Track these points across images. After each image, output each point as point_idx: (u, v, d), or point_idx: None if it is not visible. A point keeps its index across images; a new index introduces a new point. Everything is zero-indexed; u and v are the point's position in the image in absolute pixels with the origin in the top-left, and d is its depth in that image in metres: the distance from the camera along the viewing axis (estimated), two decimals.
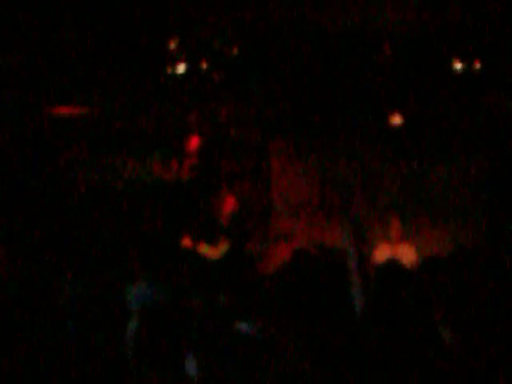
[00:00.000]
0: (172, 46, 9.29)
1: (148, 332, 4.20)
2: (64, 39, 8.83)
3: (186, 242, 9.09)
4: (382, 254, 9.12)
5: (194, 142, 10.58)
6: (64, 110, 10.16)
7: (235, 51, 9.36)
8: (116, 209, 10.57)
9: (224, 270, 5.56)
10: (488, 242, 10.37)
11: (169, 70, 9.53)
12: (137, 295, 5.18)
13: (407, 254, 9.04)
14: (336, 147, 10.78)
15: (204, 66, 9.50)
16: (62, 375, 4.09)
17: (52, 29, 8.69)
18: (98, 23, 8.85)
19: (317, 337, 4.14)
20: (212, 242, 9.10)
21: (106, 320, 4.50)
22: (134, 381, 4.12)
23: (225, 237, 9.15)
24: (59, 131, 10.51)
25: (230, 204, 9.46)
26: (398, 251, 9.18)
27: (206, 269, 5.68)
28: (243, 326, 4.70)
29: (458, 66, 9.73)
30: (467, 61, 9.69)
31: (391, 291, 5.45)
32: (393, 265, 5.98)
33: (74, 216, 10.43)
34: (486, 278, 4.83)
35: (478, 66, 9.67)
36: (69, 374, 4.10)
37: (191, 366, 4.26)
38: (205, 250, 8.89)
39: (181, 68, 9.48)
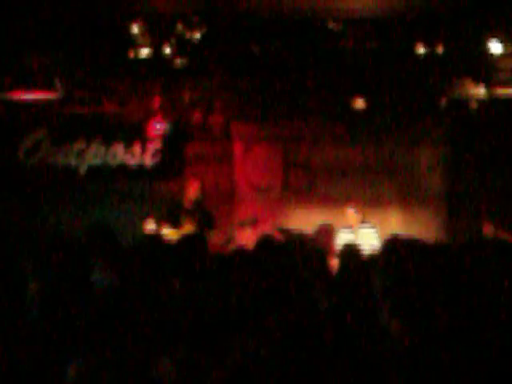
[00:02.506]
0: (135, 29, 9.26)
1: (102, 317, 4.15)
2: (25, 23, 8.76)
3: (150, 225, 9.12)
4: (342, 238, 9.23)
5: (156, 127, 10.59)
6: (26, 95, 10.09)
7: (198, 36, 9.33)
8: (79, 193, 10.56)
9: (178, 253, 5.56)
10: (449, 230, 10.49)
11: (132, 55, 9.49)
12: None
13: (367, 238, 9.15)
14: (300, 131, 10.82)
15: (167, 50, 9.47)
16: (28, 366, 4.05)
17: (12, 12, 8.62)
18: (60, 6, 8.79)
19: (279, 321, 4.15)
20: (175, 225, 9.13)
21: (71, 309, 4.45)
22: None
23: (188, 220, 9.18)
24: (21, 116, 10.45)
25: (193, 188, 9.47)
26: (357, 236, 9.29)
27: (167, 252, 5.66)
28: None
29: (421, 50, 9.76)
30: (430, 46, 9.73)
31: (352, 274, 5.51)
32: (353, 248, 6.07)
33: (36, 202, 10.40)
34: (439, 269, 4.87)
35: (440, 50, 9.69)
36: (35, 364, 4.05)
37: None
38: (168, 233, 8.92)
39: (144, 52, 9.44)
